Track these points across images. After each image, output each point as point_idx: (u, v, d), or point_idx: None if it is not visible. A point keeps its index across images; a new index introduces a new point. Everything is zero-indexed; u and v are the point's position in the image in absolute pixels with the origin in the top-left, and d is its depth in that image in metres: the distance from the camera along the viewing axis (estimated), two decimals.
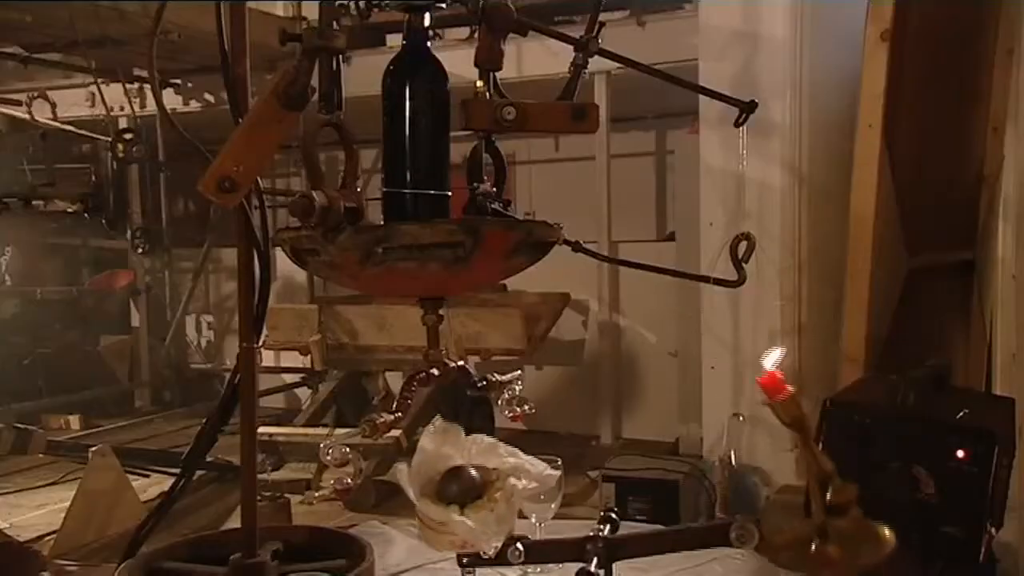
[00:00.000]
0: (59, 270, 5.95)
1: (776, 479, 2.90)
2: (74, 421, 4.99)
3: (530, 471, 1.41)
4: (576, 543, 1.35)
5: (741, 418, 2.97)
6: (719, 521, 1.28)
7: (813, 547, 1.13)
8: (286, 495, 3.00)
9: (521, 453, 1.46)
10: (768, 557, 1.22)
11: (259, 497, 1.79)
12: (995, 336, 2.78)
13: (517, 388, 1.57)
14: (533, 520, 1.69)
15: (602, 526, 1.39)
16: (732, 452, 2.94)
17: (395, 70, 1.39)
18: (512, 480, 1.37)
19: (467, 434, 1.39)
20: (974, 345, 2.93)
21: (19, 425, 4.31)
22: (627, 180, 4.94)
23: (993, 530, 1.88)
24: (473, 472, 1.35)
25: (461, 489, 1.34)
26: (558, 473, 1.55)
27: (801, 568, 1.18)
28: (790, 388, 1.14)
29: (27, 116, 4.63)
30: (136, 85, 5.00)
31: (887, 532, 1.12)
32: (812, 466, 1.15)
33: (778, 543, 1.19)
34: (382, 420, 1.40)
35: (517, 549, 1.35)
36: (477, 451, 1.40)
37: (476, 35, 1.41)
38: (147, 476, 3.62)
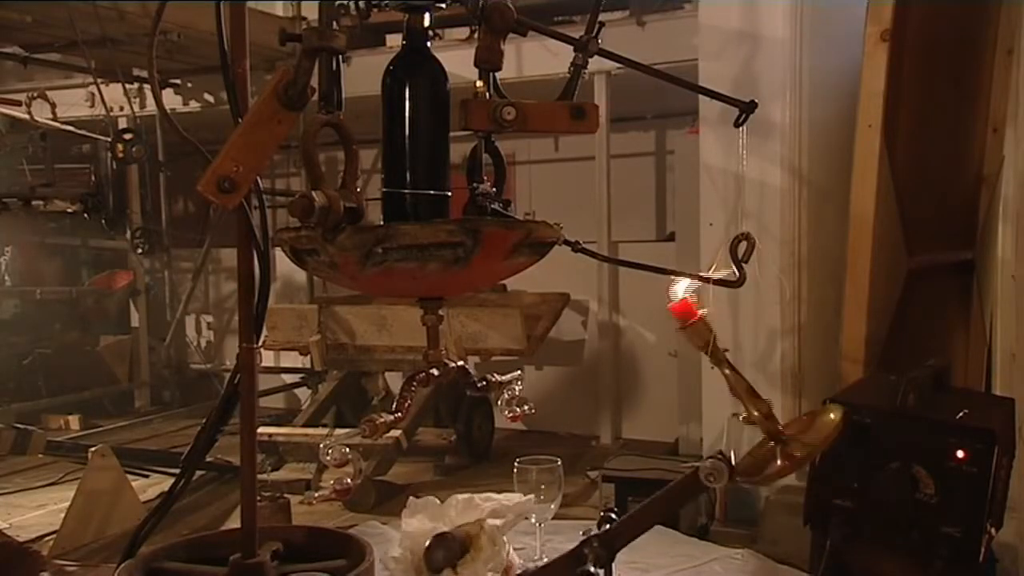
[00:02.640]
0: (59, 270, 5.95)
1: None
2: (74, 421, 4.99)
3: (507, 505, 1.43)
4: (575, 551, 1.34)
5: (741, 418, 2.97)
6: (689, 470, 1.30)
7: (778, 459, 1.16)
8: (286, 495, 3.00)
9: (494, 494, 1.48)
10: (744, 482, 1.25)
11: (259, 497, 1.79)
12: (995, 336, 2.78)
13: (517, 388, 1.56)
14: (533, 520, 1.69)
15: (601, 527, 1.38)
16: (732, 452, 2.93)
17: (395, 70, 1.38)
18: (491, 521, 1.38)
19: (467, 433, 1.40)
20: (974, 345, 2.93)
21: (19, 425, 4.31)
22: (627, 180, 4.95)
23: (993, 530, 1.88)
24: (452, 532, 1.38)
25: (447, 553, 1.37)
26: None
27: (776, 477, 1.21)
28: (700, 312, 1.17)
29: (27, 116, 4.62)
30: (136, 85, 5.00)
31: (831, 412, 1.15)
32: (737, 384, 1.18)
33: (746, 467, 1.21)
34: (382, 420, 1.39)
35: None
36: (457, 513, 1.43)
37: (476, 35, 1.41)
38: (147, 476, 3.62)
